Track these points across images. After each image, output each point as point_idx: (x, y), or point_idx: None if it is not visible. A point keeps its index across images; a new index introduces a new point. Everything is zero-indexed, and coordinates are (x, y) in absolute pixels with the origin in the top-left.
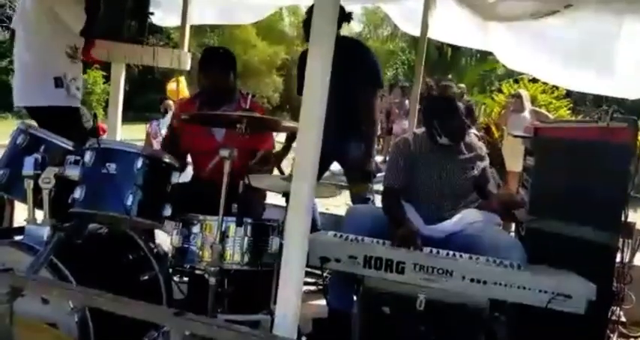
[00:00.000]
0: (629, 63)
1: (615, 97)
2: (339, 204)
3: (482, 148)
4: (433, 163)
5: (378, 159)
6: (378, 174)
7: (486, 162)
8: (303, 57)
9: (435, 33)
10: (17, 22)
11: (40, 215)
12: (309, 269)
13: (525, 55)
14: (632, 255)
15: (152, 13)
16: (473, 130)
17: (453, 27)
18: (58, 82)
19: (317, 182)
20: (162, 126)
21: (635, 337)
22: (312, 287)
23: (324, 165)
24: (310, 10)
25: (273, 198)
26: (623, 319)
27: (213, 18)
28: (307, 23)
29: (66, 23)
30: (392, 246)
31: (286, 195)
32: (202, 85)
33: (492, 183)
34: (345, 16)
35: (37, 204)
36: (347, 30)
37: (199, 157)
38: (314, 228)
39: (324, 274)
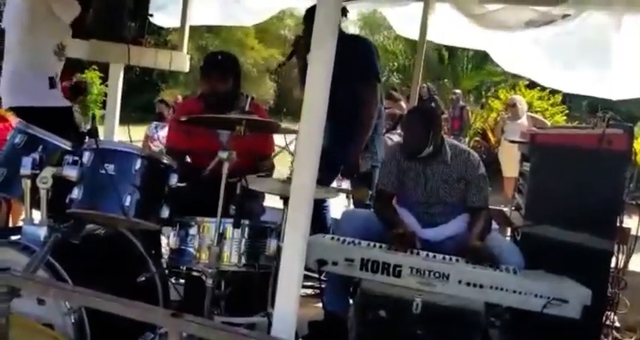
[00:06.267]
0: (626, 65)
1: (610, 103)
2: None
3: (474, 166)
4: (417, 170)
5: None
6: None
7: (477, 184)
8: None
9: (433, 35)
10: (10, 22)
11: (37, 215)
12: (305, 272)
13: (522, 57)
14: (627, 261)
15: (151, 15)
16: (470, 150)
17: (451, 29)
18: (52, 82)
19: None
20: (159, 130)
21: None
22: (309, 290)
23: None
24: (311, 9)
25: (271, 201)
26: (617, 324)
27: (213, 19)
28: (307, 18)
29: (59, 16)
30: (389, 249)
31: (285, 197)
32: (203, 90)
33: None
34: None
35: (35, 204)
36: None
37: (199, 157)
38: (323, 228)
39: (321, 277)
